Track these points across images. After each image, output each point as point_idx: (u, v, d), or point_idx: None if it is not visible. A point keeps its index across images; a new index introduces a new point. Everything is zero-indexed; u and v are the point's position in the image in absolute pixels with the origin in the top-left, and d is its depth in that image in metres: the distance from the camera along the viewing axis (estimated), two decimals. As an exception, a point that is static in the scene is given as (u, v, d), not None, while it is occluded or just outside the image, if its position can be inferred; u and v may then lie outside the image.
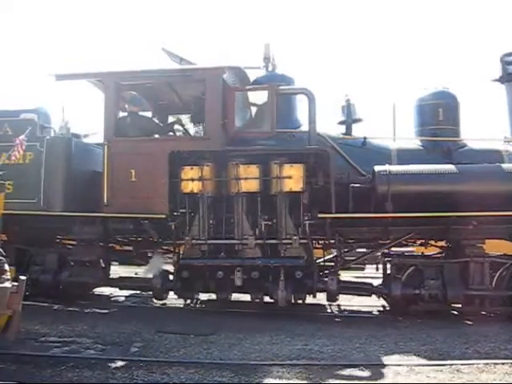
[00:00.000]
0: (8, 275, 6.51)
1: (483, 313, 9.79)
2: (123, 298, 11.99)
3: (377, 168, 9.83)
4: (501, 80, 11.20)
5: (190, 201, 9.87)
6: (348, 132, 11.27)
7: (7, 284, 6.23)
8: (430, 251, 11.04)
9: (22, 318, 6.67)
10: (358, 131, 11.28)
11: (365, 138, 10.80)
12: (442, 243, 10.85)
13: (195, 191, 9.70)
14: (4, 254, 7.03)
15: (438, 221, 9.65)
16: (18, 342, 7.22)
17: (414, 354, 7.37)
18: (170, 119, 12.56)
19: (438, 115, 10.90)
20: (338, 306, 11.02)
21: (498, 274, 9.78)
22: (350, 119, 11.35)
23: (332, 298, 10.07)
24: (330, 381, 6.28)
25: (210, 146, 9.71)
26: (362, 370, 6.67)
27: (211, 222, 9.82)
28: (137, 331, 8.56)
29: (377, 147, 10.85)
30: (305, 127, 10.49)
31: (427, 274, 9.77)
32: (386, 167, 9.82)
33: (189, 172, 9.71)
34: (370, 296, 10.43)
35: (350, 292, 10.48)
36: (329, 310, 10.93)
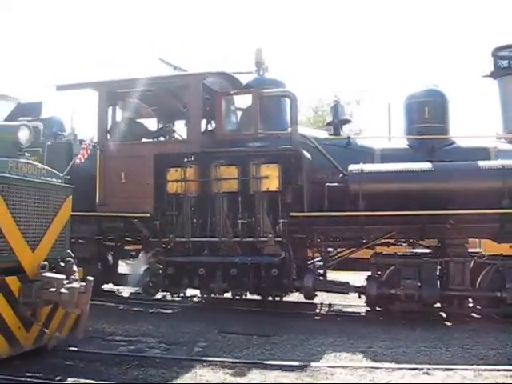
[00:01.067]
0: (76, 276, 6.71)
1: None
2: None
3: (350, 167, 9.90)
4: (492, 75, 11.08)
5: (175, 201, 10.27)
6: (336, 132, 11.47)
7: (75, 284, 6.40)
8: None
9: (90, 317, 6.86)
10: (350, 131, 11.38)
11: (349, 138, 11.02)
12: (433, 243, 10.64)
13: (179, 192, 10.14)
14: (72, 255, 7.26)
15: (413, 220, 9.57)
16: (86, 341, 7.42)
17: (482, 359, 7.11)
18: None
19: (424, 113, 10.81)
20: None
21: (481, 274, 9.62)
22: (336, 120, 11.57)
23: (308, 295, 10.30)
24: (394, 384, 6.18)
25: (190, 148, 10.19)
26: (427, 373, 6.48)
27: (195, 221, 10.22)
28: (200, 331, 8.66)
29: (361, 147, 10.97)
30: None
31: (404, 274, 9.68)
32: (359, 166, 9.85)
33: (173, 174, 10.15)
34: (347, 294, 10.63)
35: (326, 290, 10.52)
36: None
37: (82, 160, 8.20)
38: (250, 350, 7.54)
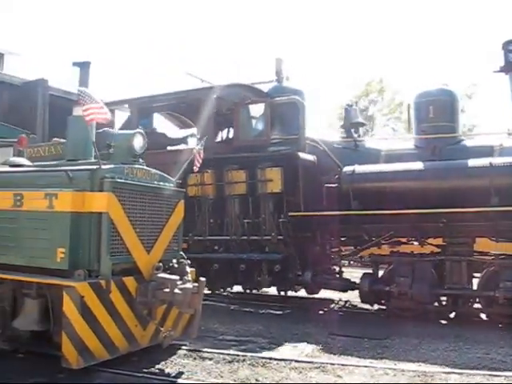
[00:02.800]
0: (189, 277, 6.93)
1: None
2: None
3: (344, 168, 10.46)
4: (503, 70, 10.60)
5: (195, 203, 11.35)
6: (348, 135, 12.00)
7: (189, 285, 6.61)
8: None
9: (202, 317, 7.05)
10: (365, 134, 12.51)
11: (355, 141, 11.53)
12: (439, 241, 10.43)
13: (197, 194, 11.34)
14: (185, 256, 7.50)
15: (404, 219, 9.75)
16: (199, 340, 7.64)
17: None
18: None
19: (429, 113, 10.92)
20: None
21: (482, 274, 9.62)
22: (347, 123, 12.16)
23: (309, 291, 11.26)
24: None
25: (205, 155, 10.14)
26: (552, 382, 6.11)
27: (211, 221, 11.41)
28: (310, 333, 8.66)
29: (368, 149, 11.44)
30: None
31: (399, 272, 9.93)
32: (353, 167, 10.37)
33: (193, 178, 11.10)
34: (346, 291, 11.08)
35: (324, 286, 11.15)
36: None
37: (198, 166, 8.42)
38: (361, 353, 7.44)
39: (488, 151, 10.05)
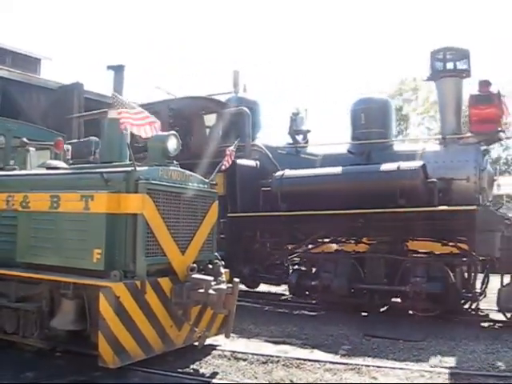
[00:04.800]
0: (223, 277, 6.96)
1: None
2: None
3: (277, 172, 11.39)
4: (432, 78, 11.53)
5: None
6: (294, 141, 12.95)
7: (223, 286, 6.64)
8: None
9: (237, 318, 7.08)
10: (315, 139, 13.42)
11: (296, 147, 12.63)
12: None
13: None
14: (219, 258, 7.53)
15: (324, 219, 10.63)
16: (233, 340, 7.66)
17: None
18: None
19: (361, 120, 11.85)
20: None
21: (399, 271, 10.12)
22: (292, 130, 13.03)
23: (247, 285, 11.99)
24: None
25: None
26: None
27: None
28: (344, 334, 8.60)
29: (308, 154, 12.52)
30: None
31: (324, 268, 10.84)
32: (283, 172, 11.33)
33: None
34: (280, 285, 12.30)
35: (260, 281, 12.21)
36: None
37: (227, 165, 8.50)
38: (396, 355, 7.37)
39: (412, 155, 10.97)
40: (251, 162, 11.89)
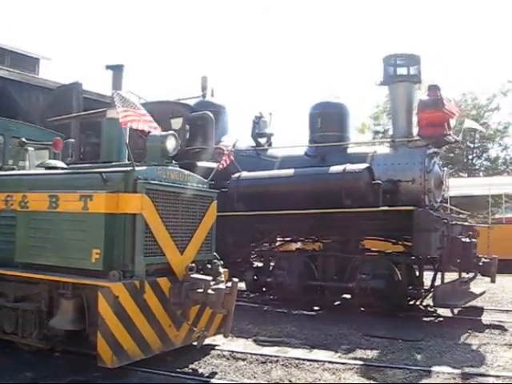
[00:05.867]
0: (222, 277, 6.96)
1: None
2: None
3: (234, 175, 11.85)
4: (385, 83, 12.04)
5: None
6: (257, 144, 13.39)
7: (222, 285, 6.63)
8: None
9: (235, 318, 7.08)
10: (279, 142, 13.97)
11: (256, 150, 13.08)
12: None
13: None
14: (218, 257, 7.54)
15: (281, 219, 11.03)
16: (232, 340, 7.67)
17: None
18: None
19: (318, 124, 12.48)
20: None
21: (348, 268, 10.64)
22: (255, 133, 13.54)
23: None
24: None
25: None
26: None
27: None
28: (343, 334, 8.61)
29: (268, 156, 12.94)
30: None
31: (278, 266, 11.39)
32: (239, 173, 11.87)
33: None
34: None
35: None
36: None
37: (225, 165, 8.50)
38: (395, 355, 7.37)
39: (364, 158, 11.43)
40: (213, 165, 12.07)
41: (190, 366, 6.56)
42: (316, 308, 10.94)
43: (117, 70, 7.44)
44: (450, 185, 12.87)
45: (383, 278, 10.17)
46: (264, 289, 11.86)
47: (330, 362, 6.91)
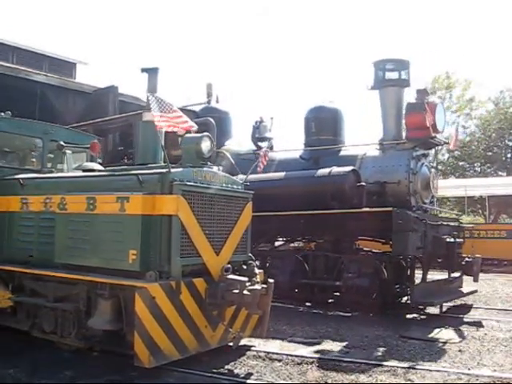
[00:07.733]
0: (258, 278, 6.96)
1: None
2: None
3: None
4: (375, 87, 12.44)
5: None
6: (257, 148, 13.65)
7: (257, 286, 6.64)
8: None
9: (271, 318, 7.07)
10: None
11: (255, 153, 12.91)
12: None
13: None
14: (253, 258, 7.54)
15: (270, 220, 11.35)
16: (268, 341, 7.66)
17: None
18: None
19: (312, 128, 13.07)
20: None
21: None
22: (255, 137, 14.14)
23: None
24: None
25: None
26: None
27: None
28: (380, 335, 8.54)
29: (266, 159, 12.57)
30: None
31: (272, 264, 11.90)
32: (237, 177, 11.96)
33: None
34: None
35: None
36: None
37: (262, 167, 8.49)
38: (433, 357, 7.27)
39: (352, 160, 11.91)
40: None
41: (226, 367, 6.58)
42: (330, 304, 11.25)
43: (152, 72, 7.51)
44: (465, 184, 12.99)
45: (368, 276, 10.54)
46: None
47: (366, 363, 6.86)
